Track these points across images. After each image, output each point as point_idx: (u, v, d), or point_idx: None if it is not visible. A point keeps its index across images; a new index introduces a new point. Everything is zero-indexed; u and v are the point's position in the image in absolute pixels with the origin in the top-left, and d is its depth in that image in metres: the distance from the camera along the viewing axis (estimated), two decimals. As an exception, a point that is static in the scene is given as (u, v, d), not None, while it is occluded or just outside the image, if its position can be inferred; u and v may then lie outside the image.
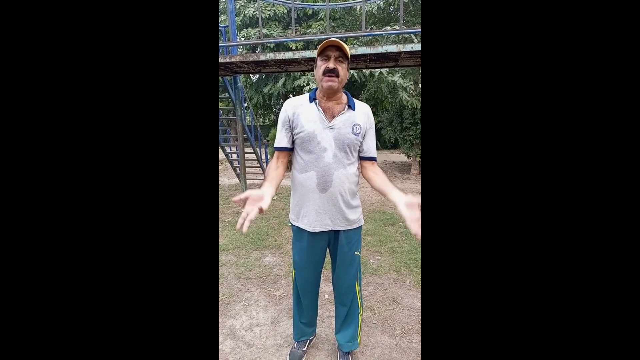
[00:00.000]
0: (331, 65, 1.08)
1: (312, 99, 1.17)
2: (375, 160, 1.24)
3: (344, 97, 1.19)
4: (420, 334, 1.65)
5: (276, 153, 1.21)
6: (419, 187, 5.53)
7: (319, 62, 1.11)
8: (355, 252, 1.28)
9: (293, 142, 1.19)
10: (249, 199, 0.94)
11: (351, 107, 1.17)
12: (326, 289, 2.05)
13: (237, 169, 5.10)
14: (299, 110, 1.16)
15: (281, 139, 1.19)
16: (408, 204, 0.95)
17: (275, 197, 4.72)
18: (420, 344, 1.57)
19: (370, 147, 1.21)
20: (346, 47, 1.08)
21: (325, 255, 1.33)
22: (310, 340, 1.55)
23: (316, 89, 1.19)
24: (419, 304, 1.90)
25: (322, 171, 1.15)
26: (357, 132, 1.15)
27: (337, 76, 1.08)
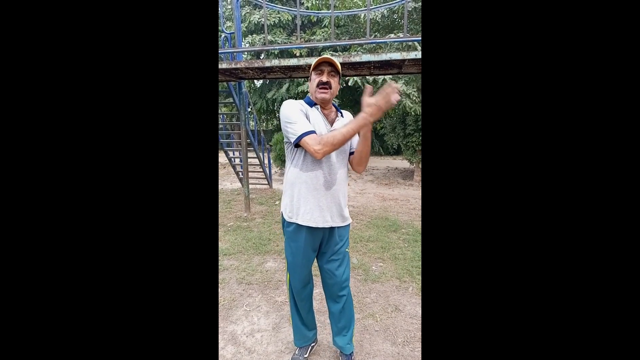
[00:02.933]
0: (324, 78, 1.21)
1: (313, 104, 1.27)
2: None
3: (333, 107, 1.33)
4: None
5: (311, 136, 1.11)
6: (422, 193, 5.51)
7: (313, 76, 1.24)
8: (346, 249, 1.36)
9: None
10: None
11: (340, 114, 1.32)
12: (328, 295, 2.04)
13: (240, 173, 5.12)
14: (307, 110, 1.25)
15: (308, 125, 1.15)
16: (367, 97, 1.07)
17: (277, 203, 4.72)
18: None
19: (352, 140, 1.30)
20: (338, 63, 1.21)
21: (317, 252, 1.37)
22: (312, 347, 1.53)
23: (308, 96, 1.31)
24: (421, 312, 1.89)
25: (329, 170, 1.24)
26: None
27: (330, 88, 1.22)
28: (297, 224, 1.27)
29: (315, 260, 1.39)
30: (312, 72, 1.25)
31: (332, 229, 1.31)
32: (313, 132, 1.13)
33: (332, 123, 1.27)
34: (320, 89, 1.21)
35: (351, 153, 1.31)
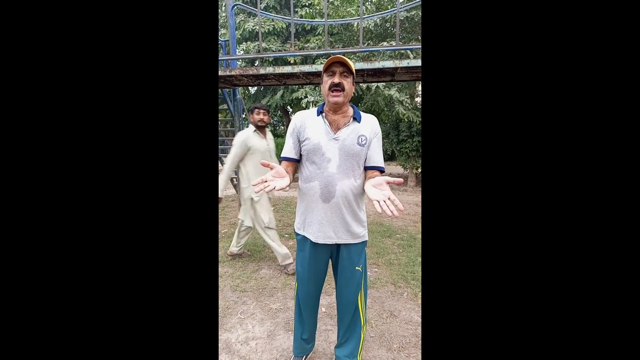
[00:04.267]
0: (336, 80, 1.13)
1: (320, 112, 1.21)
2: (381, 171, 1.19)
3: (350, 110, 1.22)
4: (418, 347, 1.63)
5: (283, 163, 1.22)
6: (416, 198, 5.54)
7: (325, 78, 1.16)
8: (356, 268, 1.26)
9: (300, 155, 1.23)
10: (274, 169, 1.03)
11: (357, 119, 1.20)
12: (322, 301, 2.03)
13: (234, 179, 5.09)
14: (306, 123, 1.21)
15: (288, 150, 1.23)
16: (375, 184, 1.02)
17: (272, 209, 4.69)
18: (418, 358, 1.55)
19: (372, 155, 1.19)
20: (350, 62, 1.13)
21: (327, 268, 1.33)
22: (307, 355, 1.52)
23: (324, 103, 1.23)
24: (416, 317, 1.89)
25: (326, 181, 1.16)
26: (363, 143, 1.17)
27: (343, 90, 1.13)
28: (304, 235, 1.26)
29: (332, 270, 1.35)
30: (324, 74, 1.16)
31: (339, 245, 1.24)
32: (286, 158, 1.23)
33: (337, 130, 1.17)
34: (332, 92, 1.13)
35: (366, 167, 1.20)
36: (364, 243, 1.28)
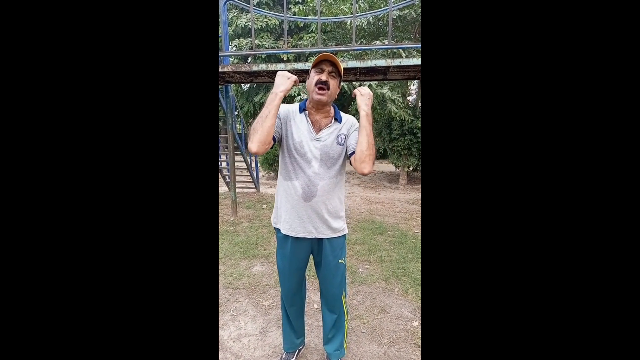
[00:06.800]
0: (324, 77, 1.13)
1: (302, 109, 1.21)
2: None
3: (332, 111, 1.23)
4: (409, 342, 1.66)
5: None
6: (407, 197, 5.61)
7: (312, 74, 1.16)
8: (340, 260, 1.29)
9: (280, 136, 1.20)
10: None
11: (338, 120, 1.21)
12: (315, 298, 2.05)
13: (227, 177, 5.06)
14: (292, 117, 1.20)
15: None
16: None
17: (264, 207, 4.70)
18: (408, 353, 1.59)
19: (353, 141, 1.16)
20: (340, 64, 1.14)
21: (307, 262, 1.34)
22: (300, 350, 1.54)
23: (306, 99, 1.23)
24: (407, 313, 1.92)
25: (308, 181, 1.17)
26: (342, 141, 1.19)
27: (328, 89, 1.13)
28: (284, 233, 1.25)
29: (315, 267, 1.37)
30: (312, 70, 1.16)
31: (320, 240, 1.25)
32: None
33: (318, 130, 1.19)
34: (318, 88, 1.12)
35: (352, 154, 1.16)
36: (344, 236, 1.31)
